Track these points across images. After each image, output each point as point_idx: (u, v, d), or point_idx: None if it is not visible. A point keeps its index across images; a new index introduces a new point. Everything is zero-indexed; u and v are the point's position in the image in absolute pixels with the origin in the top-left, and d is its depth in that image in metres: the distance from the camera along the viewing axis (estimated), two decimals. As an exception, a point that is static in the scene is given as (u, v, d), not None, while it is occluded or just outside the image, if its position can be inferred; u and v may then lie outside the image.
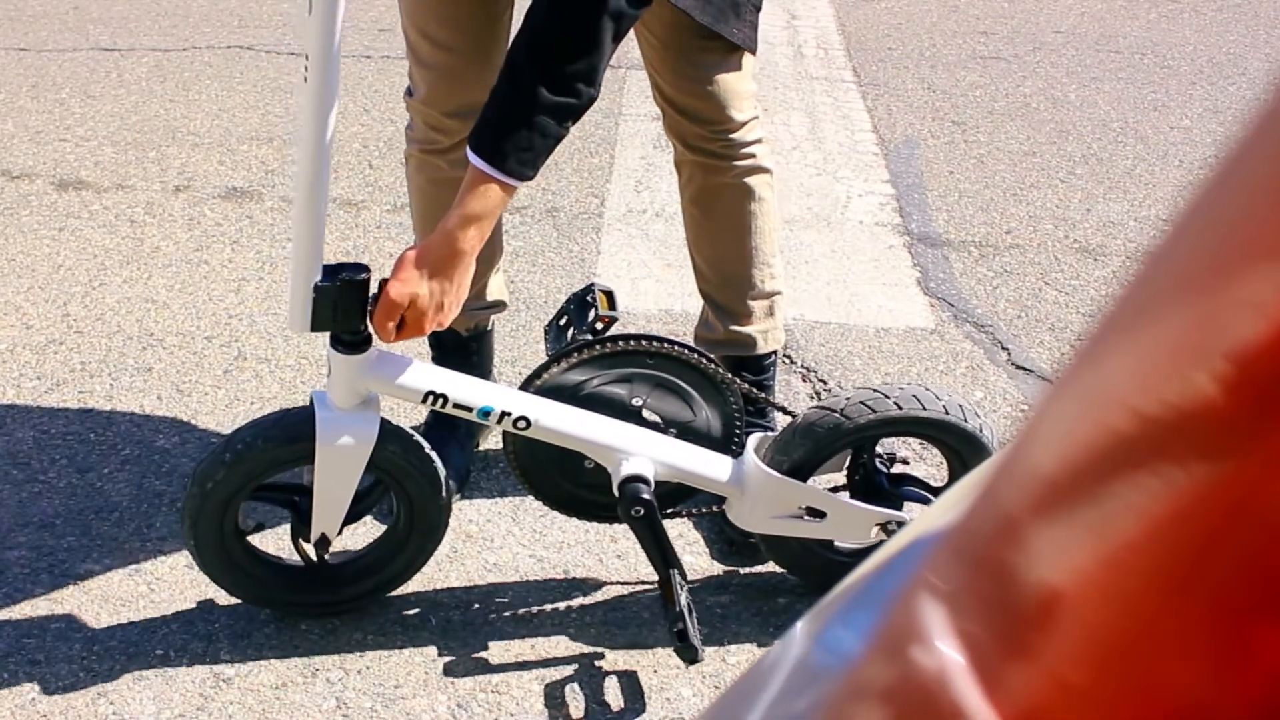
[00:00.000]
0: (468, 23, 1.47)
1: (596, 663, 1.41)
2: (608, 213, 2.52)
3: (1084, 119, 3.17)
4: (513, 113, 1.16)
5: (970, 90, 3.34)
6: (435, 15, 1.47)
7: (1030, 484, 0.24)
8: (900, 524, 1.42)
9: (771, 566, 1.55)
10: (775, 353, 1.68)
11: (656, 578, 1.38)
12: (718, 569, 1.56)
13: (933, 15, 3.96)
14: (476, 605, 1.49)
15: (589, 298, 1.36)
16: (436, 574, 1.53)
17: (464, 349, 1.69)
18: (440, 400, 1.28)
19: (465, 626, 1.45)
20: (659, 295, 2.23)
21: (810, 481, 1.39)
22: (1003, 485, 0.26)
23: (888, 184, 2.74)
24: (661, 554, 1.34)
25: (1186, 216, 0.23)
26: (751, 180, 1.59)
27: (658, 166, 2.73)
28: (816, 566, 1.45)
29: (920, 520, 0.54)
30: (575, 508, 1.44)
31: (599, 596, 1.51)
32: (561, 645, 1.43)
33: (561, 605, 1.49)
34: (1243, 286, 0.20)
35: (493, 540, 1.60)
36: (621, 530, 1.61)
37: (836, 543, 1.45)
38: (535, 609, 1.48)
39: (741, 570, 1.56)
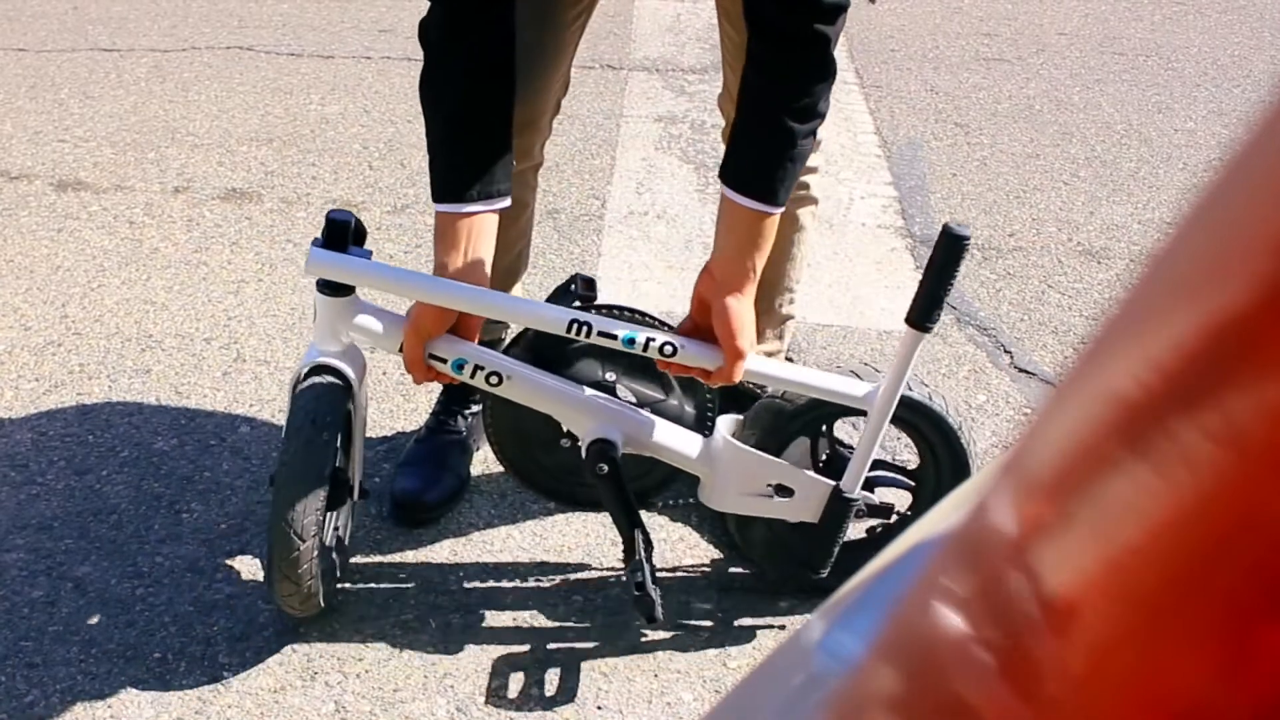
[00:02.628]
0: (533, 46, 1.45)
1: (596, 666, 1.40)
2: (609, 214, 2.52)
3: (1088, 121, 3.16)
4: (778, 156, 1.24)
5: (973, 92, 3.33)
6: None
7: (1033, 487, 0.24)
8: (867, 504, 1.42)
9: (773, 570, 1.54)
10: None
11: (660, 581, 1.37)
12: (718, 572, 1.55)
13: (935, 17, 3.95)
14: (476, 609, 1.48)
15: (572, 286, 1.39)
16: (436, 577, 1.52)
17: None
18: None
19: (465, 630, 1.44)
20: (660, 297, 2.22)
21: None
22: (1006, 488, 0.26)
23: (890, 186, 2.73)
24: (625, 515, 1.35)
25: (1191, 217, 0.23)
26: (800, 210, 1.57)
27: (659, 168, 2.73)
28: (786, 565, 1.46)
29: (923, 524, 0.53)
30: (548, 490, 1.48)
31: (599, 601, 1.50)
32: (561, 649, 1.42)
33: (562, 609, 1.48)
34: (1247, 288, 0.19)
35: (492, 544, 1.59)
36: (622, 533, 1.60)
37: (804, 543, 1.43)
38: (535, 612, 1.48)
39: (743, 574, 1.55)
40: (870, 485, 1.42)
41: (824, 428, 1.41)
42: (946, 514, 0.51)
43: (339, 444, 1.33)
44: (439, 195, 1.25)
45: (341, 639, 1.42)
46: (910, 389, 1.36)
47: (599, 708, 1.35)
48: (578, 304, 1.35)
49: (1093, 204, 2.69)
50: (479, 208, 1.24)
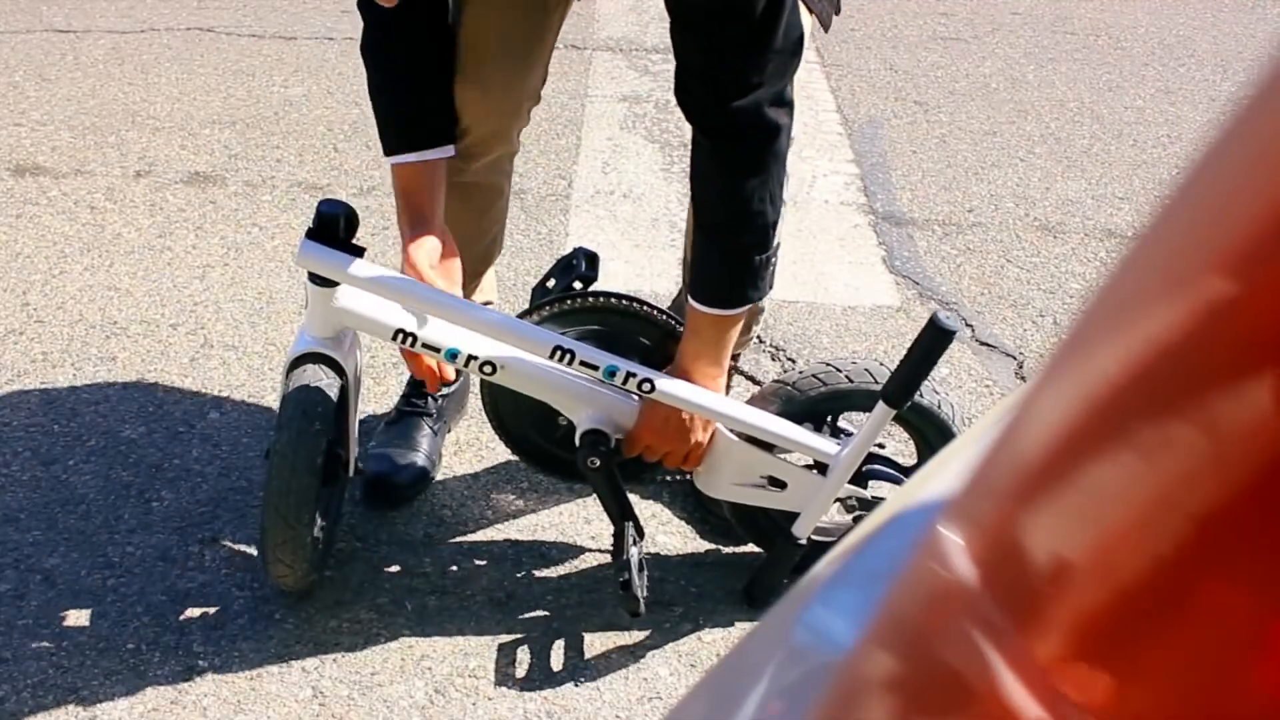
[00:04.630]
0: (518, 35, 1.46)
1: (573, 644, 1.42)
2: (575, 194, 2.52)
3: (1042, 99, 3.20)
4: (735, 266, 1.27)
5: (931, 71, 3.36)
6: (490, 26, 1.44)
7: (1020, 474, 0.25)
8: (860, 500, 1.44)
9: (747, 547, 1.57)
10: (738, 354, 1.70)
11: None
12: (692, 549, 1.58)
13: (894, -5, 3.98)
14: (451, 590, 1.49)
15: (574, 260, 1.39)
16: (411, 559, 1.53)
17: None
18: (409, 339, 1.30)
19: (441, 612, 1.45)
20: (627, 276, 2.23)
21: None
22: (994, 476, 0.26)
23: (852, 164, 2.76)
24: (617, 507, 1.38)
25: (1166, 211, 0.23)
26: None
27: (624, 148, 2.73)
28: (779, 543, 1.46)
29: (898, 498, 0.55)
30: (545, 464, 1.49)
31: (574, 579, 1.52)
32: (538, 628, 1.44)
33: (537, 588, 1.50)
34: (1228, 276, 0.20)
35: (466, 525, 1.60)
36: (595, 512, 1.61)
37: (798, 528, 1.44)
38: (510, 593, 1.49)
39: (717, 550, 1.57)
40: (864, 479, 1.44)
41: (830, 418, 1.42)
42: (920, 486, 0.52)
43: (332, 424, 1.34)
44: (389, 148, 1.32)
45: (317, 624, 1.42)
46: (921, 395, 1.37)
47: (576, 684, 1.37)
48: (579, 284, 1.37)
49: (1048, 180, 2.73)
50: (430, 155, 1.31)
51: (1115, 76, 3.41)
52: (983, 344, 2.09)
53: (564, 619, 1.45)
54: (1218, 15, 4.06)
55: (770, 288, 1.33)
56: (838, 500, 1.44)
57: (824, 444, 1.36)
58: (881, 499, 1.43)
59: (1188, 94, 3.33)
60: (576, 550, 1.57)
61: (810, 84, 3.17)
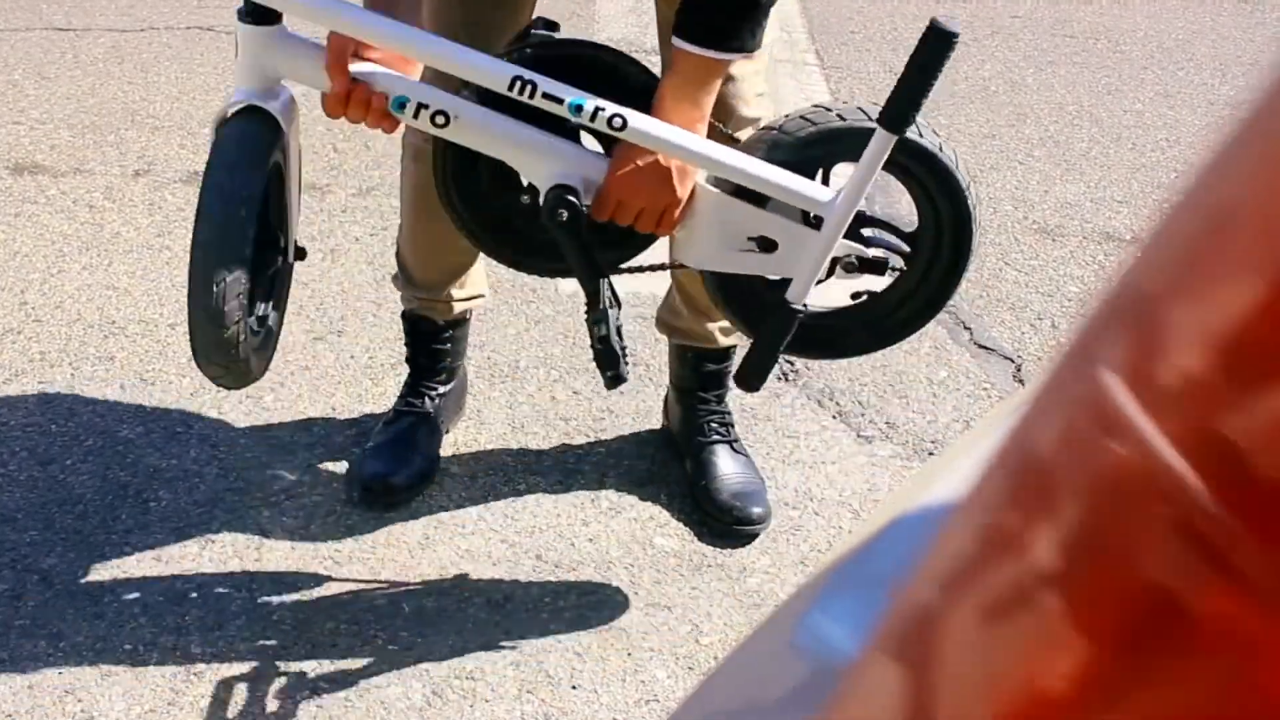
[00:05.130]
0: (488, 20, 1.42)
1: (570, 646, 1.42)
2: (573, 197, 2.52)
3: (1041, 102, 3.21)
4: (743, 4, 1.20)
5: (931, 73, 3.37)
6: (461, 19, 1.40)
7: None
8: (860, 258, 1.27)
9: (746, 549, 1.57)
10: (735, 346, 1.66)
11: (623, 547, 1.39)
12: (690, 550, 1.58)
13: (893, -2, 3.98)
14: (449, 592, 1.49)
15: (530, 29, 1.27)
16: (409, 561, 1.53)
17: (438, 336, 1.68)
18: (352, 84, 1.17)
19: (438, 614, 1.45)
20: (627, 277, 2.23)
21: None
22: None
23: (851, 167, 2.76)
24: (587, 265, 1.26)
25: (1174, 214, 0.23)
26: None
27: (622, 150, 2.73)
28: (774, 315, 1.28)
29: (893, 502, 0.54)
30: (503, 253, 1.37)
31: (571, 580, 1.52)
32: (535, 630, 1.44)
33: (534, 590, 1.50)
34: (1234, 292, 0.20)
35: (464, 526, 1.60)
36: (593, 513, 1.62)
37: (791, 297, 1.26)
38: (508, 594, 1.49)
39: (715, 552, 1.57)
40: (867, 244, 1.28)
41: (822, 170, 1.25)
42: (920, 489, 0.52)
43: (258, 206, 1.20)
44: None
45: (315, 625, 1.42)
46: (921, 134, 1.23)
47: (574, 687, 1.37)
48: (538, 41, 1.23)
49: (1047, 183, 2.73)
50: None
51: (1114, 80, 3.42)
52: (981, 347, 2.09)
53: (561, 621, 1.45)
54: (1216, 19, 4.07)
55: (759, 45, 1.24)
56: (835, 259, 1.25)
57: (815, 189, 1.21)
58: (884, 260, 1.27)
59: (1187, 98, 3.33)
60: (574, 551, 1.57)
61: (810, 85, 3.17)
